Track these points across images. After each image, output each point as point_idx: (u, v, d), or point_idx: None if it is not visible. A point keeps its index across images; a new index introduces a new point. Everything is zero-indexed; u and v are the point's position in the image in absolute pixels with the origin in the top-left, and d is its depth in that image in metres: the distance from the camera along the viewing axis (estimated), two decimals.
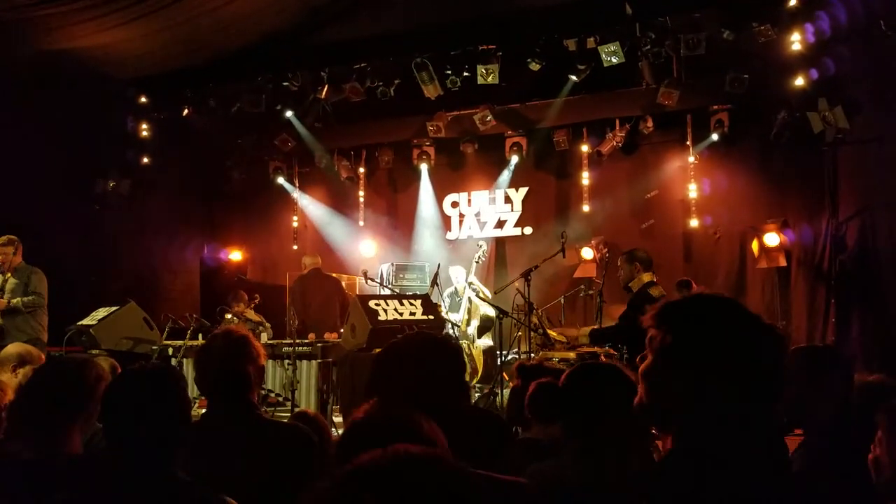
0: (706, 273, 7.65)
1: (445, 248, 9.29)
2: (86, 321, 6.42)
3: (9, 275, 6.12)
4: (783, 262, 7.29)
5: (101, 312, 6.48)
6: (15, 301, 6.03)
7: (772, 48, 6.94)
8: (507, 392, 5.19)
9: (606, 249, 6.72)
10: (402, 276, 8.82)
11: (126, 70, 8.22)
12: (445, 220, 9.50)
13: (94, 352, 6.00)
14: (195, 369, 2.48)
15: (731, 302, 1.39)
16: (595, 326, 5.42)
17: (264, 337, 7.04)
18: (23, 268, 6.17)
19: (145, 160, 8.92)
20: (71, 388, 2.25)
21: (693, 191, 7.89)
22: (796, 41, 6.78)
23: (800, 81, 6.90)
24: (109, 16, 6.77)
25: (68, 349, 6.21)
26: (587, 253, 7.88)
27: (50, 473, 2.08)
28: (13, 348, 3.81)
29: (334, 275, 8.29)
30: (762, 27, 6.84)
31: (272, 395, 6.43)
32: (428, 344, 1.94)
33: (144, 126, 8.83)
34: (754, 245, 7.51)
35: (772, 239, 7.31)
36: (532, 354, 5.55)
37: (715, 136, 7.69)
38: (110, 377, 2.41)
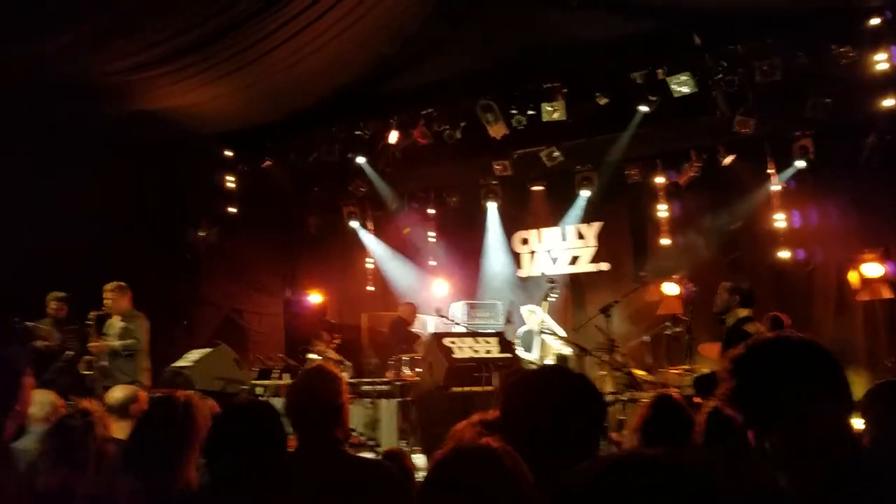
0: (801, 307, 7.20)
1: (516, 286, 9.25)
2: (180, 363, 6.70)
3: (116, 318, 6.50)
4: (887, 294, 6.83)
5: (195, 354, 6.76)
6: (115, 344, 6.38)
7: (854, 70, 6.67)
8: None
9: (693, 284, 6.45)
10: (474, 314, 8.84)
11: (211, 126, 8.66)
12: (515, 258, 9.49)
13: (189, 392, 6.24)
14: (285, 404, 2.54)
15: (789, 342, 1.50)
16: (697, 372, 5.13)
17: (345, 376, 7.15)
18: (129, 313, 6.53)
19: (231, 209, 9.33)
20: (182, 424, 2.35)
21: (780, 220, 7.59)
22: (881, 61, 6.49)
23: (889, 102, 6.59)
24: (195, 77, 7.19)
25: (164, 390, 6.46)
26: (670, 288, 7.58)
27: None
28: (118, 392, 4.02)
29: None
30: (842, 49, 6.61)
31: (354, 434, 6.48)
32: (569, 380, 1.78)
33: (230, 178, 9.26)
34: (853, 276, 7.09)
35: (872, 269, 6.91)
36: (618, 396, 5.35)
37: (800, 163, 7.40)
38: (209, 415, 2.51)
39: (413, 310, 8.43)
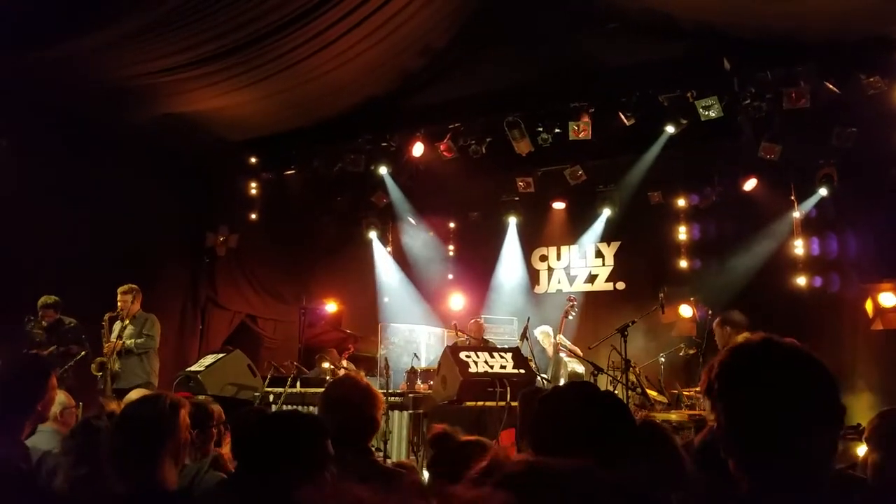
0: (816, 334, 7.12)
1: (533, 303, 9.23)
2: (194, 367, 6.72)
3: (127, 321, 6.57)
4: None
5: (209, 359, 6.78)
6: (129, 342, 6.45)
7: (881, 100, 6.64)
8: None
9: (708, 308, 6.42)
10: (490, 329, 8.82)
11: (237, 132, 8.79)
12: (533, 274, 9.47)
13: (200, 397, 6.26)
14: (322, 414, 2.56)
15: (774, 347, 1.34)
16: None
17: None
18: (140, 315, 6.61)
19: (252, 216, 9.41)
20: (150, 421, 2.33)
21: (799, 248, 7.54)
22: None
23: None
24: (225, 81, 7.28)
25: (176, 394, 6.46)
26: (685, 311, 7.58)
27: None
28: (136, 395, 4.08)
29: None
30: (871, 79, 6.58)
31: None
32: (599, 397, 1.81)
33: (253, 184, 9.34)
34: (868, 305, 7.02)
35: (888, 299, 6.86)
36: None
37: (823, 192, 7.37)
38: (189, 409, 2.49)
39: (481, 327, 8.31)
